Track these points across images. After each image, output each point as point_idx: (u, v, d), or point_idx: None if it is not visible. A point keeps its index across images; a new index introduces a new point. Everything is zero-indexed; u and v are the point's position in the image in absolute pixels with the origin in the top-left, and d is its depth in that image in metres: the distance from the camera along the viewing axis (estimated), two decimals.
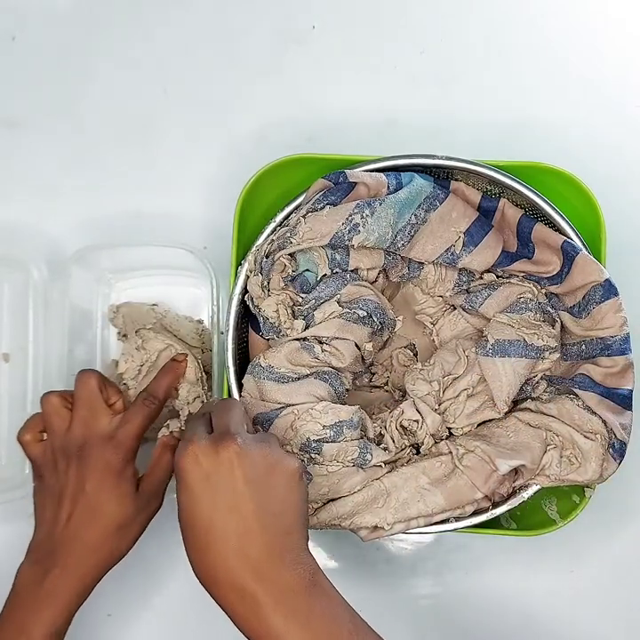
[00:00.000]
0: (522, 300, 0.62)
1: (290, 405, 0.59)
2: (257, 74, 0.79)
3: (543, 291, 0.63)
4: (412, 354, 0.68)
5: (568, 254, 0.60)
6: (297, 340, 0.62)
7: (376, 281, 0.65)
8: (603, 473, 0.58)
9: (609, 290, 0.59)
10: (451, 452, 0.60)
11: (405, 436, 0.61)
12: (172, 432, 0.64)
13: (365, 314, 0.62)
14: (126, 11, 0.80)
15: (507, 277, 0.64)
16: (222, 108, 0.79)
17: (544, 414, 0.60)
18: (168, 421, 0.65)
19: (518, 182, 0.62)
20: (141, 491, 0.60)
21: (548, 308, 0.62)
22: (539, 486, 0.59)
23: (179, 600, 0.72)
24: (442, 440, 0.62)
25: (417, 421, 0.61)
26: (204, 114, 0.79)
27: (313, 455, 0.58)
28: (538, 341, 0.61)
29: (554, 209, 0.62)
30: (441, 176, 0.64)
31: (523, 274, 0.63)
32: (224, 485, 0.47)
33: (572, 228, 0.62)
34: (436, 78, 0.79)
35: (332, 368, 0.62)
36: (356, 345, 0.62)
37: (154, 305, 0.73)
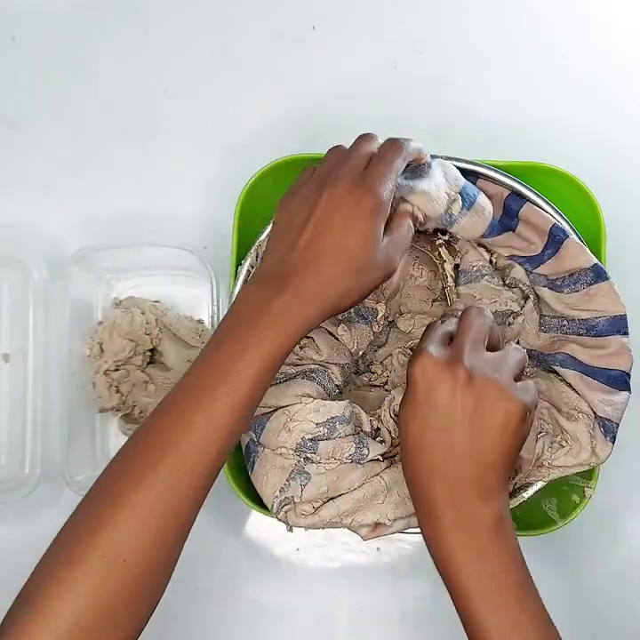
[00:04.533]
0: (474, 268, 0.62)
1: (280, 407, 0.59)
2: (257, 74, 0.79)
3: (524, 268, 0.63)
4: (411, 353, 0.68)
5: (556, 238, 0.60)
6: None
7: None
8: (597, 453, 0.57)
9: (599, 274, 0.59)
10: None
11: None
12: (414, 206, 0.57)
13: None
14: (126, 10, 0.80)
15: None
16: (222, 108, 0.79)
17: None
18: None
19: (518, 182, 0.62)
20: (385, 244, 0.53)
21: (521, 286, 0.62)
22: (539, 486, 0.59)
23: None
24: None
25: None
26: (205, 114, 0.79)
27: (309, 454, 0.58)
28: (500, 307, 0.60)
29: (554, 209, 0.62)
30: None
31: (509, 253, 0.62)
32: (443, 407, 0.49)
33: (572, 228, 0.62)
34: (435, 78, 0.79)
35: (317, 364, 0.61)
36: (330, 333, 0.62)
37: (156, 301, 0.74)
